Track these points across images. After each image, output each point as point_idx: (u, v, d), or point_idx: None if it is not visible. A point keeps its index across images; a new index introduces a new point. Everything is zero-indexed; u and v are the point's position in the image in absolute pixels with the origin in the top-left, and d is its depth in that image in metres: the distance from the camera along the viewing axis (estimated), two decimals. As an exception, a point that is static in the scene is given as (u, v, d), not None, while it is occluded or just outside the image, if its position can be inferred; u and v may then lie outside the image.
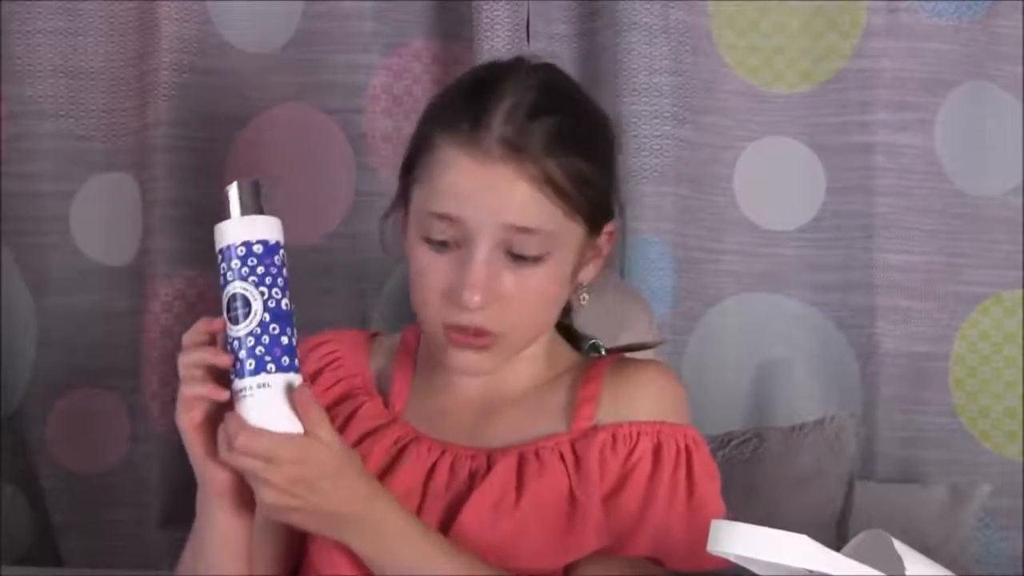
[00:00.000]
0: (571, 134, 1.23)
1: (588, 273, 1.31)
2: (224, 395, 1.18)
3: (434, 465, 1.27)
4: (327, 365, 1.35)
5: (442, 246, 1.23)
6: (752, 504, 1.62)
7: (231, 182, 1.20)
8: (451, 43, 1.98)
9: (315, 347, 1.36)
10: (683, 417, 1.29)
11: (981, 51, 1.96)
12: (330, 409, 1.30)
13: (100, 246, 2.03)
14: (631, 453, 1.25)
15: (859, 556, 0.96)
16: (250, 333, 1.17)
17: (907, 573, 0.94)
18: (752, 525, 0.93)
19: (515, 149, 1.20)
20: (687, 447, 1.26)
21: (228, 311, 1.19)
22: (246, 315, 1.18)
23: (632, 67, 1.91)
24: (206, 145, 1.99)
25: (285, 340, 1.18)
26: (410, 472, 1.26)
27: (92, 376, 2.03)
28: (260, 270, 1.19)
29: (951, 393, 1.97)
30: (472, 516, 1.23)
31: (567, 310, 1.35)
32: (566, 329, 1.38)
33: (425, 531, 1.20)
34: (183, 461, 1.95)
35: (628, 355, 1.37)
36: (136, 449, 2.00)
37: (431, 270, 1.23)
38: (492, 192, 1.20)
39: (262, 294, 1.18)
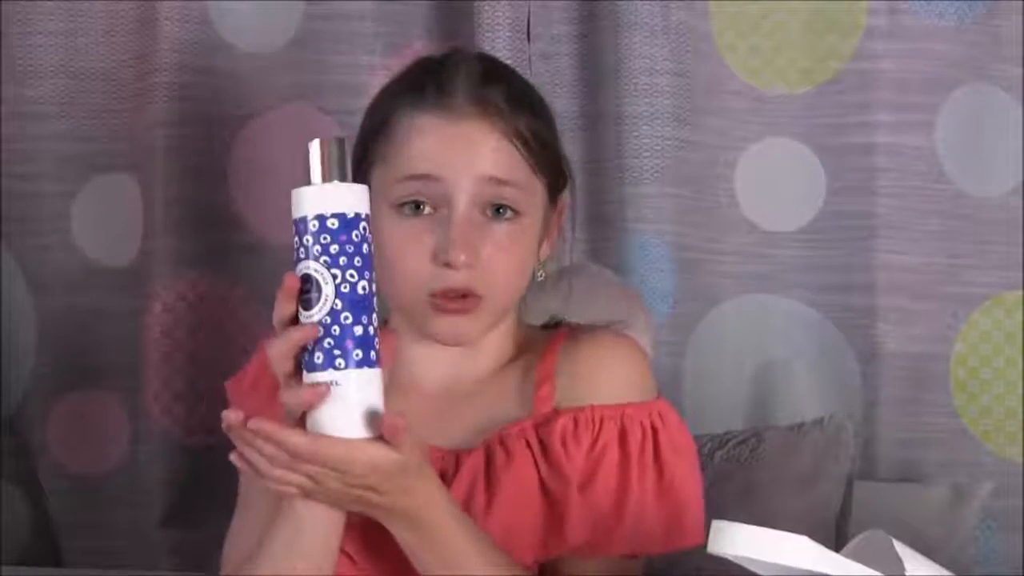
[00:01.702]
0: (524, 96, 1.29)
1: (544, 249, 1.33)
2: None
3: None
4: None
5: (417, 208, 1.24)
6: (751, 504, 1.62)
7: (314, 139, 1.10)
8: (452, 44, 1.98)
9: None
10: (646, 388, 1.28)
11: (981, 52, 1.96)
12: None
13: (101, 247, 2.03)
14: (595, 440, 1.24)
15: (859, 557, 0.96)
16: (319, 322, 1.07)
17: (907, 574, 0.94)
18: (752, 526, 0.93)
19: (483, 104, 1.25)
20: (652, 425, 1.25)
21: (302, 291, 1.09)
22: (316, 300, 1.07)
23: (632, 68, 1.91)
24: (206, 146, 1.99)
25: (359, 330, 1.08)
26: None
27: (93, 377, 2.03)
28: (334, 249, 1.08)
29: (952, 394, 1.97)
30: None
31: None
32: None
33: (486, 549, 1.17)
34: (184, 462, 1.97)
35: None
36: (137, 450, 2.00)
37: (410, 237, 1.23)
38: (466, 146, 1.24)
39: (334, 277, 1.07)
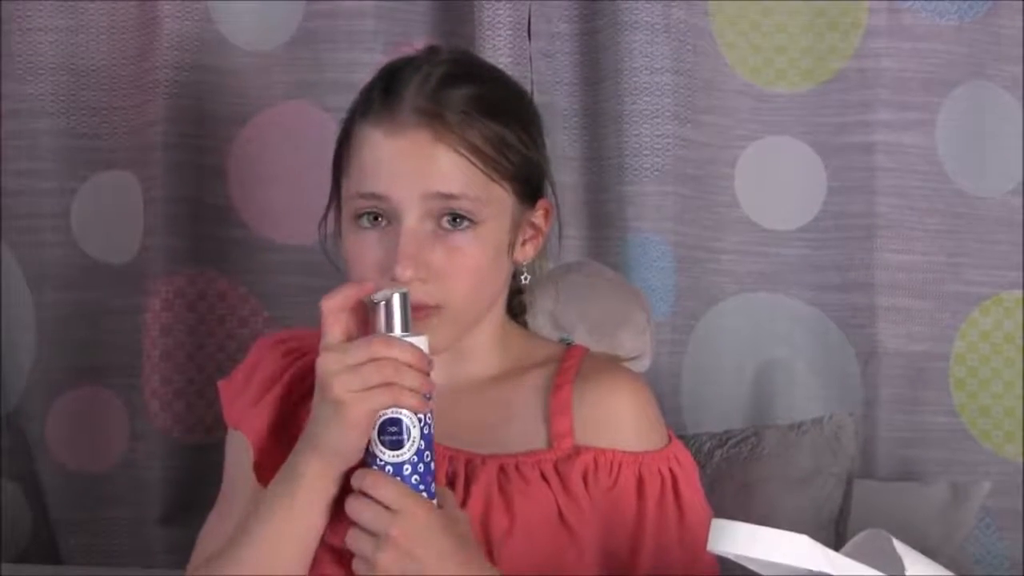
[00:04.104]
0: (487, 101, 1.23)
1: (527, 252, 1.30)
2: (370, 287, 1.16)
3: None
4: (294, 361, 1.33)
5: (373, 221, 1.22)
6: (750, 503, 1.62)
7: (377, 293, 1.16)
8: (453, 42, 1.97)
9: (279, 343, 1.36)
10: (660, 433, 1.28)
11: (982, 51, 1.96)
12: (304, 401, 1.27)
13: (100, 244, 2.03)
14: (614, 484, 1.24)
15: (859, 555, 0.96)
16: (407, 461, 1.14)
17: (907, 573, 0.94)
18: (752, 525, 0.93)
19: (429, 116, 1.20)
20: (671, 471, 1.26)
21: (382, 432, 1.14)
22: (403, 443, 1.14)
23: (633, 66, 1.91)
24: (206, 143, 1.99)
25: (433, 465, 1.16)
26: None
27: (92, 374, 2.03)
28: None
29: (951, 393, 1.97)
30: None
31: (516, 293, 1.34)
32: (516, 315, 1.37)
33: None
34: (183, 459, 1.97)
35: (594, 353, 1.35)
36: (136, 447, 2.00)
37: (364, 249, 1.22)
38: (410, 161, 1.20)
39: (419, 420, 1.14)
